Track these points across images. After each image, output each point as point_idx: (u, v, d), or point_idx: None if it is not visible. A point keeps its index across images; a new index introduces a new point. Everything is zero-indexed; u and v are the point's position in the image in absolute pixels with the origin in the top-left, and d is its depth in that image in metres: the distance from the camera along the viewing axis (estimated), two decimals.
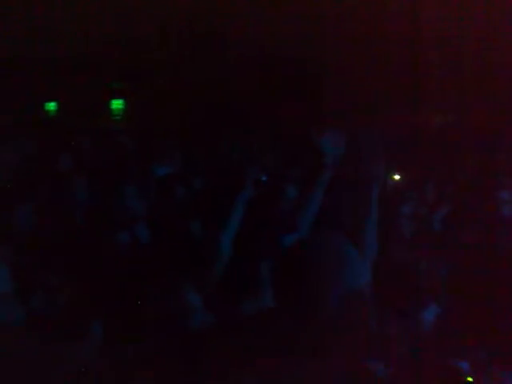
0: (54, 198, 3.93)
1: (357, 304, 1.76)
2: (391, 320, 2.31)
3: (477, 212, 4.17)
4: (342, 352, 1.74)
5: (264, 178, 3.57)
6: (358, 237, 2.11)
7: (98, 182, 4.19)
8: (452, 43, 7.54)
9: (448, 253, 3.39)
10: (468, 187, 5.05)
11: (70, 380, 2.20)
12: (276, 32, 7.29)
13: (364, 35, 7.22)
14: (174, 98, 7.32)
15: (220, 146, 4.96)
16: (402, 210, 3.92)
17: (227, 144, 4.95)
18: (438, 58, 7.59)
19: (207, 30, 7.60)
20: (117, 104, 8.32)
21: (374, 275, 2.09)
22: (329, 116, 6.48)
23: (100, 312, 2.55)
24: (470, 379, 2.34)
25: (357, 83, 7.22)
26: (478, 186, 4.94)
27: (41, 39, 7.22)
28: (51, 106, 7.93)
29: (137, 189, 3.92)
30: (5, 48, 6.97)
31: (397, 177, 4.73)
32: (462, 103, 7.43)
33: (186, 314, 2.27)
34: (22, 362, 2.20)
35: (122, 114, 8.28)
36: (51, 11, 7.16)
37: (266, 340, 1.81)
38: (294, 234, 2.51)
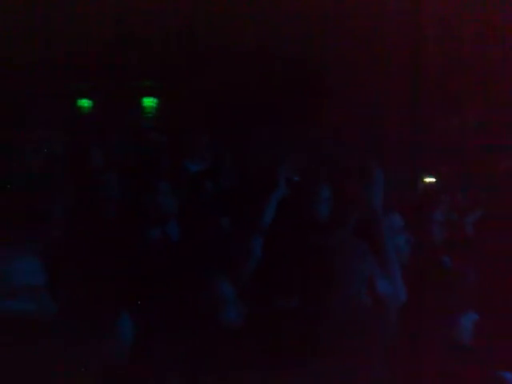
0: (86, 194, 3.97)
1: (376, 309, 1.79)
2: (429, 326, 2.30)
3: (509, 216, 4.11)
4: (355, 354, 1.76)
5: (296, 178, 3.56)
6: (377, 245, 2.12)
7: (130, 178, 4.24)
8: (483, 40, 7.43)
9: (482, 257, 3.34)
10: (500, 191, 4.98)
11: (98, 378, 2.22)
12: (316, 31, 7.25)
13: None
14: (204, 95, 7.36)
15: (252, 144, 4.97)
16: (434, 214, 3.88)
17: (259, 142, 4.96)
18: (470, 58, 7.50)
19: (236, 28, 7.62)
20: (148, 102, 8.41)
21: (406, 281, 2.09)
22: (361, 117, 6.45)
23: (131, 308, 2.57)
24: None
25: (388, 85, 7.17)
26: (509, 189, 4.87)
27: (72, 37, 7.31)
28: (84, 102, 8.04)
29: (168, 185, 3.95)
30: (36, 46, 7.08)
31: (429, 180, 4.70)
32: (495, 106, 7.33)
33: (219, 306, 2.29)
34: (50, 358, 2.22)
35: (153, 111, 8.36)
36: (82, 11, 7.25)
37: (292, 337, 1.83)
38: (325, 236, 2.51)
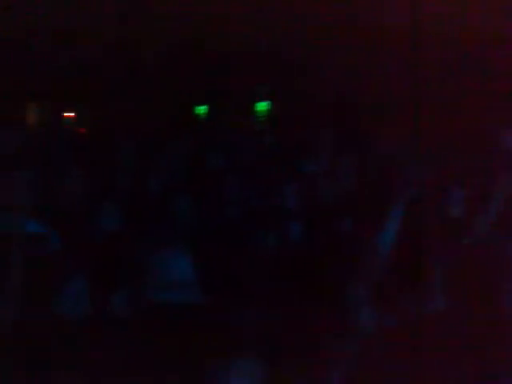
0: (207, 196, 4.08)
1: None
2: None
3: None
4: None
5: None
6: None
7: (247, 181, 4.29)
8: None
9: None
10: None
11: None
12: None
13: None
14: (320, 98, 7.33)
15: (375, 146, 4.86)
16: None
17: (382, 144, 4.84)
18: None
19: (354, 31, 7.51)
20: (262, 106, 8.54)
21: None
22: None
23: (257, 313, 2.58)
24: None
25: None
26: None
27: (193, 44, 7.51)
28: (202, 109, 8.29)
29: (289, 187, 3.96)
30: (162, 56, 7.33)
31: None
32: None
33: (351, 309, 2.25)
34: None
35: (267, 115, 8.47)
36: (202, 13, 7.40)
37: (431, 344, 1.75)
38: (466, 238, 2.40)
